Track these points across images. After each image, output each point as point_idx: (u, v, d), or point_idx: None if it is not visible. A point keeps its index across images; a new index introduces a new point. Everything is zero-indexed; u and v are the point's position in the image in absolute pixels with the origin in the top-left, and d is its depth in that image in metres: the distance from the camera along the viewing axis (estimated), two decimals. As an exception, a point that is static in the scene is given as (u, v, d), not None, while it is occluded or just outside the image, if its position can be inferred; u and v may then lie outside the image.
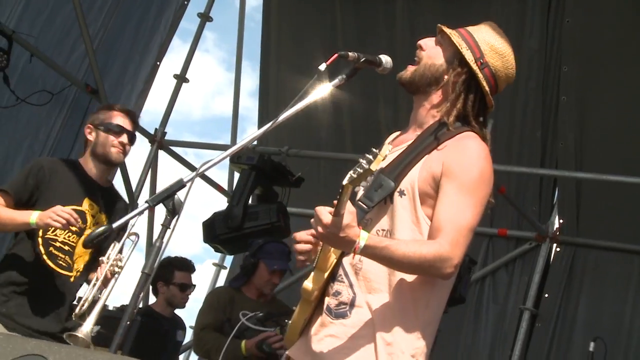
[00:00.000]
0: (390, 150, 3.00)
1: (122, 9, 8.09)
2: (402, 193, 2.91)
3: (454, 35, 3.06)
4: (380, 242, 2.78)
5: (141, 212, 2.73)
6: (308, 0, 8.96)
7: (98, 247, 4.06)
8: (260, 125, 9.38)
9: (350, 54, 2.99)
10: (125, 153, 4.51)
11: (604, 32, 7.47)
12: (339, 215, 2.66)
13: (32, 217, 4.03)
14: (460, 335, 8.15)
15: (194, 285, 6.59)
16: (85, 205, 4.33)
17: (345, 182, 2.61)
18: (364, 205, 2.92)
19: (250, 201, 7.38)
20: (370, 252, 2.75)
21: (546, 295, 7.99)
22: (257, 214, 7.14)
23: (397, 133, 3.25)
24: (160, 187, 8.92)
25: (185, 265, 6.65)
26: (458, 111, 3.02)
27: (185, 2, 8.79)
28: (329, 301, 2.97)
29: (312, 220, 2.73)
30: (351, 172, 2.62)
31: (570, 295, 7.93)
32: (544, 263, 8.08)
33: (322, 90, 2.96)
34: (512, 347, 7.84)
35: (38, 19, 7.41)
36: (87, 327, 3.74)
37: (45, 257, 4.19)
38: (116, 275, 3.87)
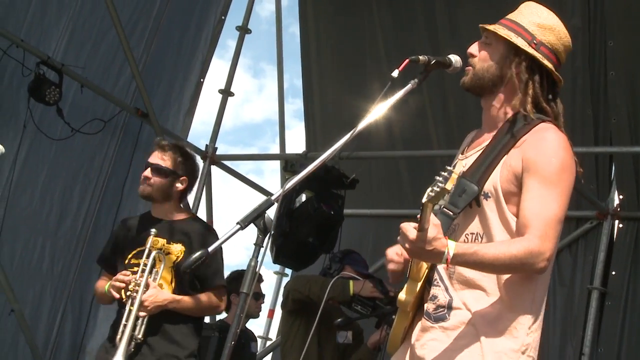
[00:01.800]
0: (466, 154, 3.05)
1: (162, 30, 8.19)
2: (486, 196, 2.93)
3: (499, 29, 3.07)
4: (469, 249, 2.79)
5: (233, 234, 2.75)
6: (344, 2, 8.97)
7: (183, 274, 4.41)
8: (307, 130, 9.40)
9: (420, 57, 3.00)
10: (150, 185, 4.62)
11: (647, 3, 7.40)
12: (423, 230, 2.67)
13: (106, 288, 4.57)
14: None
15: (264, 295, 6.67)
16: (149, 243, 4.51)
17: (424, 200, 2.61)
18: (449, 212, 2.94)
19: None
20: (460, 259, 2.76)
21: (613, 273, 7.90)
22: (299, 211, 7.16)
23: (473, 133, 3.26)
24: (217, 202, 9.06)
25: (257, 278, 6.73)
26: (532, 98, 3.04)
27: (223, 17, 8.86)
28: (428, 306, 3.00)
29: (399, 237, 2.75)
30: (429, 190, 2.62)
31: (638, 271, 7.82)
32: (608, 240, 7.99)
33: (395, 96, 2.96)
34: (583, 328, 7.76)
35: (83, 49, 7.54)
36: (118, 358, 4.20)
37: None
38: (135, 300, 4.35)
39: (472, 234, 2.97)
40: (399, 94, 3.00)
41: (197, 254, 2.74)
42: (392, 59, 8.50)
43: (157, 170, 4.62)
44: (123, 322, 4.37)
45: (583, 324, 7.80)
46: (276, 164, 9.63)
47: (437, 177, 2.62)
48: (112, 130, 7.85)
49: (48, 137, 7.18)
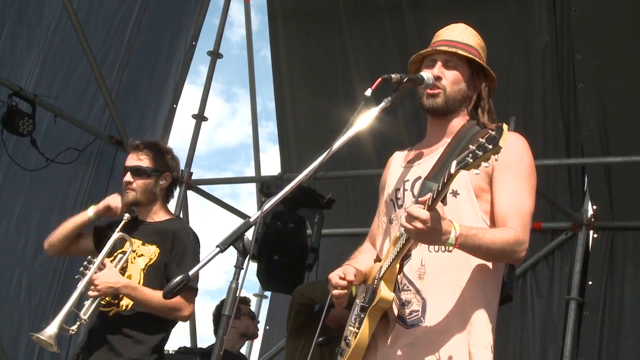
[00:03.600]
0: (418, 162, 3.19)
1: (134, 58, 8.22)
2: (455, 193, 3.02)
3: (464, 52, 3.21)
4: (470, 230, 2.86)
5: (213, 257, 2.77)
6: (313, 22, 9.03)
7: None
8: (282, 152, 9.44)
9: (393, 75, 3.06)
10: (133, 189, 4.34)
11: (612, 14, 7.49)
12: (434, 210, 2.72)
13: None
14: (508, 333, 8.13)
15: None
16: (127, 246, 4.32)
17: (454, 168, 2.66)
18: None
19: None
20: (463, 241, 2.83)
21: (590, 283, 7.96)
22: (261, 234, 7.18)
23: (404, 152, 3.41)
24: (194, 227, 9.03)
25: (246, 299, 7.00)
26: (487, 106, 3.26)
27: (194, 43, 8.90)
28: (400, 311, 3.04)
29: (405, 219, 2.78)
30: (458, 159, 2.66)
31: (614, 280, 7.90)
32: (583, 251, 8.03)
33: (369, 115, 3.00)
34: (563, 339, 7.80)
35: (55, 79, 7.56)
36: (51, 330, 3.97)
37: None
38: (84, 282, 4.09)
39: None
40: (373, 112, 3.04)
41: (178, 278, 2.74)
42: (364, 79, 8.56)
43: (138, 171, 4.33)
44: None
45: (562, 334, 7.83)
46: (251, 188, 9.68)
47: (471, 147, 2.65)
48: (86, 159, 7.85)
49: (22, 167, 7.16)
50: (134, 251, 4.32)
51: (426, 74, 3.19)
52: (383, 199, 3.37)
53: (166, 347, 6.89)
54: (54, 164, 7.38)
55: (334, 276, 3.14)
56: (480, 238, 2.87)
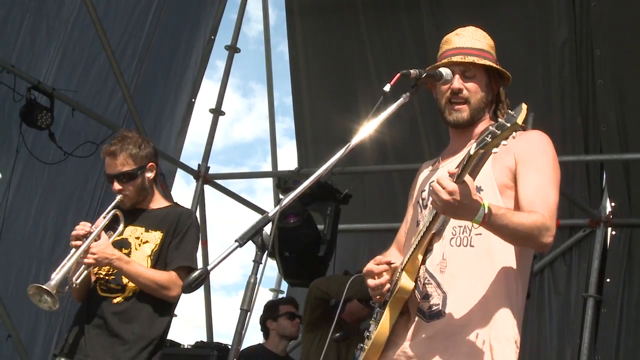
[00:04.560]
0: (442, 164, 3.20)
1: (152, 52, 8.23)
2: (479, 189, 2.97)
3: (480, 60, 3.20)
4: (499, 209, 2.84)
5: (232, 251, 2.76)
6: (331, 17, 9.03)
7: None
8: (298, 147, 9.45)
9: (412, 71, 3.05)
10: (127, 195, 4.36)
11: (631, 9, 7.46)
12: (462, 183, 2.70)
13: None
14: (525, 330, 8.01)
15: (301, 316, 6.70)
16: (127, 232, 4.35)
17: (473, 150, 2.63)
18: None
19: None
20: (491, 219, 2.79)
21: (608, 280, 7.94)
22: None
23: (430, 161, 3.40)
24: (210, 222, 9.08)
25: (287, 299, 7.04)
26: (506, 107, 3.27)
27: (212, 37, 8.91)
28: (421, 304, 3.03)
29: (433, 190, 2.75)
30: (478, 140, 2.64)
31: (632, 277, 7.87)
32: (601, 248, 8.02)
33: (387, 111, 2.99)
34: (580, 336, 7.78)
35: (74, 73, 7.57)
36: (53, 281, 3.98)
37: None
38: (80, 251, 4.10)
39: (460, 226, 3.04)
40: (392, 108, 3.04)
41: (197, 272, 2.74)
42: (381, 75, 8.55)
43: (124, 176, 4.33)
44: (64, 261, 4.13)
45: (580, 332, 7.81)
46: (268, 183, 9.69)
47: (491, 127, 2.62)
48: (104, 152, 7.85)
49: (41, 161, 7.18)
50: (137, 238, 4.35)
51: (445, 70, 3.17)
52: (411, 205, 3.35)
53: (183, 342, 6.98)
54: (72, 157, 7.39)
55: (372, 265, 3.11)
56: (508, 218, 2.83)
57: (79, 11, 7.54)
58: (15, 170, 7.06)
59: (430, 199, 3.08)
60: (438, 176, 2.77)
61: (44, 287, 4.01)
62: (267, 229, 2.83)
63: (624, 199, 8.04)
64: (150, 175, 4.44)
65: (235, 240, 2.76)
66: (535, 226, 2.87)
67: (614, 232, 8.14)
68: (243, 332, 2.75)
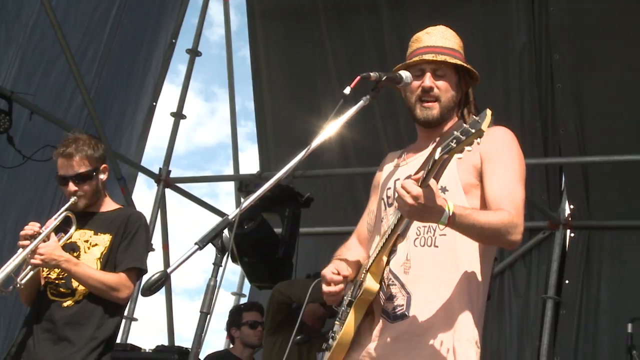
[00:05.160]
0: (406, 161, 3.20)
1: (113, 56, 8.18)
2: (444, 190, 3.00)
3: (449, 59, 3.22)
4: (464, 210, 2.85)
5: (191, 254, 2.76)
6: (292, 21, 9.03)
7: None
8: (260, 150, 9.45)
9: (372, 74, 3.06)
10: (83, 196, 4.31)
11: (589, 14, 7.55)
12: (426, 187, 2.71)
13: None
14: (485, 331, 8.11)
15: (262, 322, 6.68)
16: (76, 236, 4.31)
17: (437, 155, 2.66)
18: None
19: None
20: (457, 220, 2.81)
21: (567, 282, 8.02)
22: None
23: (397, 152, 3.41)
24: (172, 226, 9.04)
25: (251, 306, 6.99)
26: (473, 107, 3.29)
27: (174, 41, 8.88)
28: (385, 305, 3.05)
29: (398, 195, 2.77)
30: (442, 145, 2.66)
31: (590, 279, 7.97)
32: (560, 250, 8.11)
33: (348, 113, 3.01)
34: (539, 337, 7.85)
35: (34, 77, 7.50)
36: None
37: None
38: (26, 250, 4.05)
39: (425, 226, 3.06)
40: (351, 110, 3.05)
41: (156, 275, 2.73)
42: (342, 78, 8.57)
43: (81, 177, 4.30)
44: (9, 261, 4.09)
45: (539, 333, 7.88)
46: (230, 187, 9.68)
47: (455, 132, 2.63)
48: (64, 156, 7.78)
49: (0, 165, 7.11)
50: (86, 241, 4.31)
51: (405, 73, 3.19)
52: (375, 198, 3.36)
53: (144, 346, 6.94)
54: (31, 161, 7.32)
55: (328, 272, 3.14)
56: (474, 218, 2.85)
57: (39, 14, 7.46)
58: (-26, 175, 6.99)
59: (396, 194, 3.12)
60: (403, 182, 2.78)
61: None
62: (227, 232, 2.83)
63: (583, 201, 8.13)
64: (103, 177, 4.42)
65: (195, 243, 2.76)
66: (502, 224, 2.88)
67: (572, 234, 8.23)
68: (203, 335, 2.75)
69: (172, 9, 8.85)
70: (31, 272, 4.17)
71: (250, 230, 7.19)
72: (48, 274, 4.29)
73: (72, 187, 4.31)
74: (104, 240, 4.31)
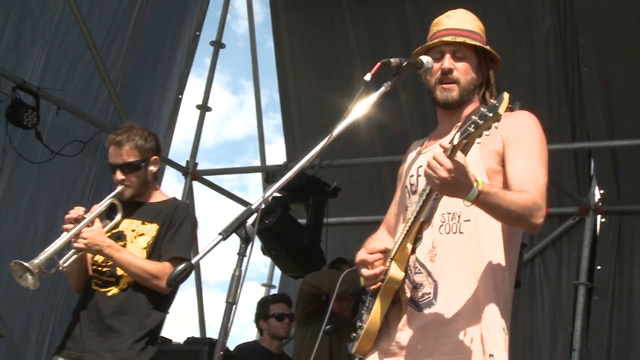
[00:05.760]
0: (428, 148, 3.20)
1: (138, 50, 8.21)
2: None
3: (469, 41, 3.19)
4: (491, 188, 2.84)
5: (215, 245, 2.76)
6: (316, 11, 9.03)
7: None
8: (287, 141, 9.46)
9: (392, 60, 3.05)
10: (129, 186, 4.31)
11: (614, -3, 7.49)
12: (456, 161, 2.70)
13: None
14: (517, 319, 8.10)
15: (293, 314, 6.70)
16: (124, 225, 4.33)
17: (457, 140, 2.66)
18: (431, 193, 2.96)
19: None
20: (484, 197, 2.79)
21: (599, 267, 7.96)
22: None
23: (421, 141, 3.39)
24: (202, 219, 9.06)
25: (278, 297, 7.02)
26: (495, 91, 3.24)
27: (197, 33, 8.90)
28: (412, 294, 3.03)
29: (428, 167, 2.75)
30: (461, 130, 2.66)
31: (623, 264, 7.90)
32: (591, 235, 8.04)
33: (369, 100, 2.99)
34: (572, 324, 7.80)
35: (60, 72, 7.55)
36: (37, 260, 3.97)
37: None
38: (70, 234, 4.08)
39: (449, 213, 3.03)
40: (373, 97, 3.03)
41: (181, 266, 2.74)
42: (366, 68, 8.49)
43: (129, 167, 4.29)
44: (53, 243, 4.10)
45: (572, 319, 7.83)
46: (259, 180, 9.68)
47: (473, 116, 2.63)
48: (92, 151, 7.84)
49: (28, 161, 7.16)
50: (133, 230, 4.32)
51: (425, 58, 3.17)
52: (400, 187, 3.35)
53: (175, 338, 6.98)
54: (59, 156, 7.38)
55: (364, 255, 3.10)
56: (501, 197, 2.83)
57: (64, 10, 7.51)
58: (3, 171, 7.04)
59: (420, 183, 3.09)
60: (434, 154, 2.75)
61: (25, 264, 3.99)
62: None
63: (613, 185, 8.06)
64: (153, 168, 4.40)
65: (219, 233, 2.76)
66: (526, 206, 2.86)
67: (603, 220, 8.16)
68: (229, 325, 2.75)
69: (195, 1, 8.86)
70: (74, 256, 4.17)
71: (271, 225, 7.21)
72: (93, 259, 4.30)
73: (119, 175, 4.31)
74: (151, 229, 4.31)
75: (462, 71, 3.18)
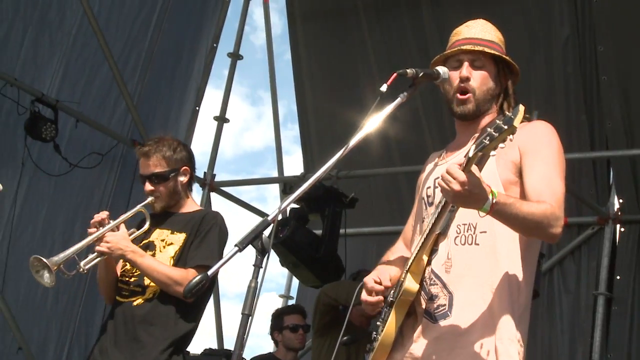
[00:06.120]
0: (445, 159, 3.18)
1: (155, 61, 8.25)
2: None
3: (489, 50, 3.19)
4: (508, 199, 2.82)
5: (231, 256, 2.75)
6: (332, 22, 9.03)
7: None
8: (304, 152, 9.46)
9: (408, 70, 3.04)
10: (159, 197, 4.33)
11: (634, 5, 7.42)
12: (470, 173, 2.69)
13: None
14: (536, 329, 8.04)
15: (308, 325, 6.67)
16: (154, 235, 4.33)
17: (472, 152, 2.66)
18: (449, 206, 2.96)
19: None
20: (500, 208, 2.77)
21: (618, 277, 7.87)
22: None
23: (439, 152, 3.38)
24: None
25: (292, 309, 7.06)
26: (513, 102, 3.21)
27: (215, 45, 8.92)
28: (427, 306, 3.01)
29: (442, 180, 2.74)
30: (476, 143, 2.65)
31: (643, 274, 7.84)
32: (611, 245, 7.95)
33: (386, 111, 2.99)
34: (591, 335, 7.72)
35: (78, 84, 7.60)
36: (56, 258, 3.95)
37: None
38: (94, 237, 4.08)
39: (465, 224, 3.02)
40: (389, 108, 3.03)
41: (197, 278, 2.73)
42: (384, 75, 8.48)
43: (157, 177, 4.31)
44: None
45: (591, 330, 7.75)
46: (278, 191, 9.69)
47: (489, 128, 2.63)
48: (110, 163, 7.88)
49: (47, 173, 7.20)
50: (162, 240, 4.32)
51: (442, 69, 3.17)
52: (417, 200, 3.34)
53: (192, 349, 6.97)
54: (77, 168, 7.41)
55: (370, 280, 3.10)
56: (517, 207, 2.81)
57: (81, 23, 7.56)
58: (22, 183, 7.07)
59: (436, 195, 3.08)
60: (448, 166, 2.74)
61: (45, 260, 3.98)
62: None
63: (632, 195, 7.98)
64: (183, 179, 4.40)
65: (235, 245, 2.76)
66: (544, 216, 2.84)
67: (622, 229, 8.07)
68: (245, 336, 2.74)
69: (212, 13, 8.89)
70: (96, 260, 4.15)
71: (285, 238, 7.22)
72: (121, 270, 4.30)
73: (148, 186, 4.33)
74: (179, 239, 4.30)
75: (479, 81, 3.17)
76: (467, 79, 3.16)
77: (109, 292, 4.33)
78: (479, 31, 3.24)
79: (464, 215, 2.99)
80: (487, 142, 2.61)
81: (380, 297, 3.07)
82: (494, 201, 2.74)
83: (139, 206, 4.34)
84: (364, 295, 3.10)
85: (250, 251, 2.83)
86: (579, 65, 7.84)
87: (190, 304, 4.22)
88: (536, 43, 7.93)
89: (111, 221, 4.21)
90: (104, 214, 4.20)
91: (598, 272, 7.93)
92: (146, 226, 4.33)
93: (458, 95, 3.17)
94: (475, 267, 2.97)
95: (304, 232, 7.42)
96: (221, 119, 9.20)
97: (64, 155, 7.27)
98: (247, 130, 19.10)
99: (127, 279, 4.29)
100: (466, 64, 3.18)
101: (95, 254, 4.15)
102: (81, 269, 4.12)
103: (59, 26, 7.49)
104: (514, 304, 2.95)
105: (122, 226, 4.22)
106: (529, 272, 3.03)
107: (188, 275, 4.12)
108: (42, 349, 7.34)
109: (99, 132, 7.71)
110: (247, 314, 2.73)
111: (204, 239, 4.28)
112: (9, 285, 7.03)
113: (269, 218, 2.81)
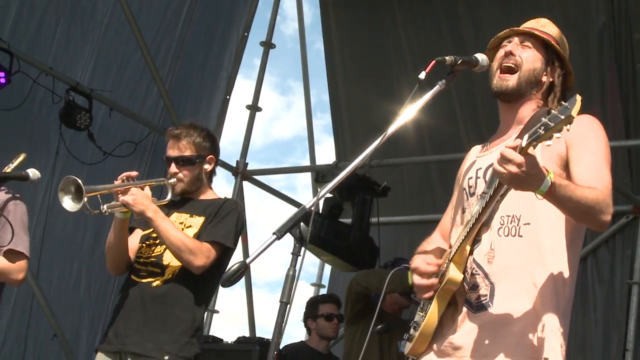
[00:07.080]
0: (489, 150, 3.09)
1: (186, 50, 8.27)
2: None
3: (542, 35, 3.15)
4: (563, 181, 2.77)
5: (270, 244, 2.74)
6: (365, 10, 8.99)
7: None
8: (336, 141, 9.44)
9: (447, 58, 3.00)
10: (181, 180, 4.35)
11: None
12: (527, 155, 2.63)
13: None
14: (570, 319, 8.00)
15: (342, 315, 6.68)
16: (173, 218, 4.31)
17: (525, 142, 2.60)
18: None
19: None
20: (556, 190, 2.71)
21: (653, 267, 7.82)
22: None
23: (478, 146, 3.32)
24: (251, 219, 9.10)
25: (327, 298, 7.01)
26: (560, 95, 3.16)
27: (246, 34, 8.92)
28: (469, 295, 2.99)
29: (498, 162, 2.66)
30: (530, 132, 2.60)
31: (677, 263, 7.76)
32: (645, 234, 7.91)
33: (423, 99, 2.96)
34: (626, 324, 7.67)
35: (109, 73, 7.63)
36: (87, 186, 3.95)
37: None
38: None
39: (508, 216, 2.98)
40: (427, 96, 2.99)
41: (235, 266, 2.72)
42: (417, 66, 8.43)
43: (184, 161, 4.35)
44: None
45: (625, 319, 7.69)
46: (307, 179, 9.69)
47: (543, 118, 2.56)
48: (140, 152, 7.91)
49: (80, 161, 7.23)
50: (181, 223, 4.32)
51: (481, 56, 3.12)
52: (457, 191, 3.31)
53: (226, 338, 7.00)
54: (110, 157, 7.45)
55: (421, 263, 3.06)
56: (572, 190, 2.76)
57: (113, 12, 7.60)
58: (55, 171, 7.10)
59: (478, 186, 3.05)
60: (502, 150, 2.67)
61: (80, 182, 3.96)
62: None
63: (667, 183, 7.92)
64: (208, 167, 4.44)
65: (273, 233, 2.74)
66: (597, 201, 2.80)
67: (657, 218, 8.01)
68: (283, 325, 2.73)
69: (243, 2, 8.89)
70: (118, 208, 4.14)
71: (313, 234, 7.20)
72: (140, 251, 4.30)
73: (173, 168, 4.36)
74: (198, 222, 4.31)
75: (525, 57, 3.13)
76: (512, 53, 3.12)
77: (115, 262, 4.30)
78: (539, 25, 3.22)
79: (508, 206, 2.96)
80: (542, 132, 2.54)
81: (435, 280, 3.03)
82: (550, 182, 2.69)
83: (163, 180, 4.37)
84: (417, 279, 3.06)
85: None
86: (614, 53, 7.75)
87: (205, 286, 4.27)
88: (572, 31, 7.82)
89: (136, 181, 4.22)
90: (133, 173, 4.22)
91: (632, 261, 7.86)
92: (168, 198, 4.34)
93: (499, 73, 3.13)
94: (517, 258, 2.93)
95: (329, 224, 7.38)
96: (254, 108, 9.21)
97: (97, 144, 7.29)
98: (277, 120, 19.12)
99: (144, 259, 4.28)
100: (516, 39, 3.15)
101: (119, 202, 4.14)
102: (104, 210, 4.11)
103: (91, 16, 7.53)
104: (558, 297, 2.91)
105: (147, 188, 4.22)
106: (573, 266, 2.99)
107: (202, 247, 4.16)
108: (75, 335, 7.40)
109: (131, 121, 7.74)
110: (286, 302, 2.72)
111: (223, 220, 4.30)
112: (43, 273, 7.08)
113: (307, 206, 2.80)
